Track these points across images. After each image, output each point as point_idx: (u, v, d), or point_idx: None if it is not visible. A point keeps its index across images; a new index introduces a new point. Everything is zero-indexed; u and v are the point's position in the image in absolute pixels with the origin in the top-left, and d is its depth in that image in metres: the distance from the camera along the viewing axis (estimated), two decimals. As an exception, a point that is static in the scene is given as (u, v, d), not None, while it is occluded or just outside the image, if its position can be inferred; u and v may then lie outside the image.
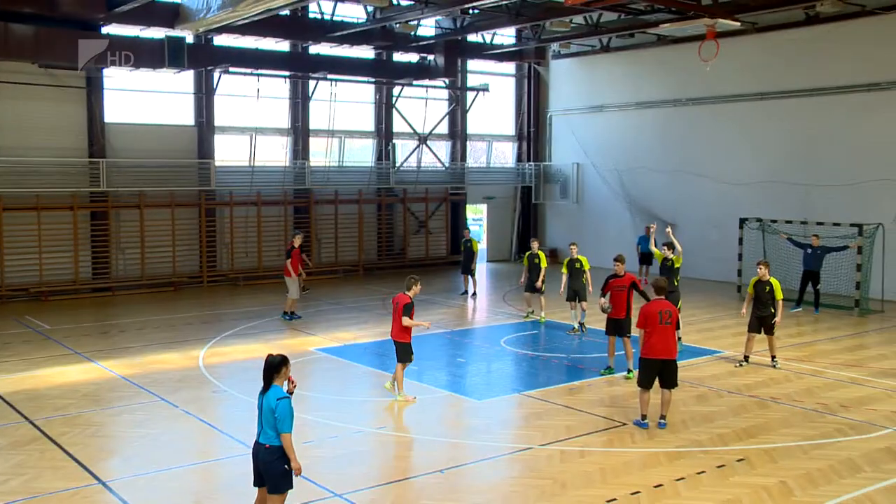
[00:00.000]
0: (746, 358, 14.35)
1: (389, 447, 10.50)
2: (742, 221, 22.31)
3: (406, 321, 12.11)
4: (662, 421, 10.97)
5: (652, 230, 22.55)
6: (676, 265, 15.47)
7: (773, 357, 14.33)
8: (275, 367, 7.22)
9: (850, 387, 13.06)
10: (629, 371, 13.48)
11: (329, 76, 25.80)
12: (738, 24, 20.38)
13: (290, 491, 7.28)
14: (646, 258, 24.48)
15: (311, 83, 25.97)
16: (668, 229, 17.35)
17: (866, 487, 8.87)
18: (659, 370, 10.86)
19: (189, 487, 9.13)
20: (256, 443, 7.25)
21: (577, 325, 17.33)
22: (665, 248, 15.61)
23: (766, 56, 24.19)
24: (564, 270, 17.25)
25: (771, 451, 9.99)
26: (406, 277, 12.50)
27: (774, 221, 21.83)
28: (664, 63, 26.97)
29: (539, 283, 18.36)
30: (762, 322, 14.11)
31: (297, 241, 19.06)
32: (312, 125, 26.60)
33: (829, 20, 22.26)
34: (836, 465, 9.51)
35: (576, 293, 17.16)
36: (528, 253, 18.98)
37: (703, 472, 9.34)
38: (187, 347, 15.96)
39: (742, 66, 24.47)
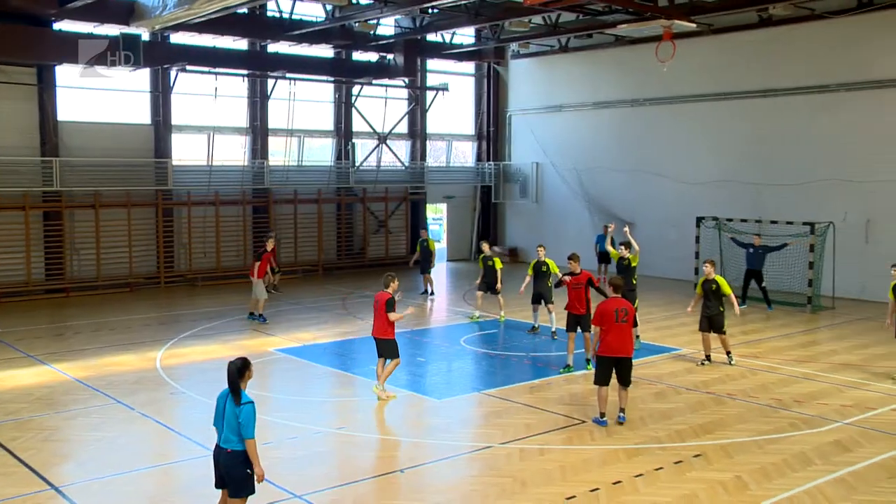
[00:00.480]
0: (708, 357, 14.46)
1: (349, 447, 10.46)
2: (699, 220, 22.62)
3: (393, 316, 12.26)
4: (622, 415, 11.09)
5: (610, 229, 22.76)
6: (633, 264, 15.65)
7: (728, 353, 14.48)
8: (238, 372, 7.16)
9: (803, 382, 13.32)
10: (588, 361, 13.94)
11: (288, 75, 25.63)
12: (694, 25, 20.67)
13: (251, 496, 7.25)
14: (604, 257, 24.70)
15: (270, 82, 25.77)
16: (626, 229, 17.53)
17: (817, 480, 9.06)
18: (614, 367, 10.98)
19: (146, 491, 9.00)
20: (217, 447, 7.18)
21: (536, 326, 17.32)
22: (622, 247, 15.77)
23: (722, 57, 24.55)
24: (530, 272, 16.98)
25: (727, 447, 10.15)
26: (384, 275, 12.65)
27: (730, 220, 22.16)
28: (622, 63, 27.24)
29: (498, 286, 18.35)
30: (711, 321, 14.21)
31: (270, 245, 18.91)
32: (271, 124, 26.39)
33: (782, 23, 22.66)
34: (788, 459, 9.70)
35: (540, 296, 16.82)
36: (481, 256, 18.96)
37: (660, 468, 9.45)
38: (144, 349, 15.74)
39: (698, 67, 24.81)
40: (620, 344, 10.89)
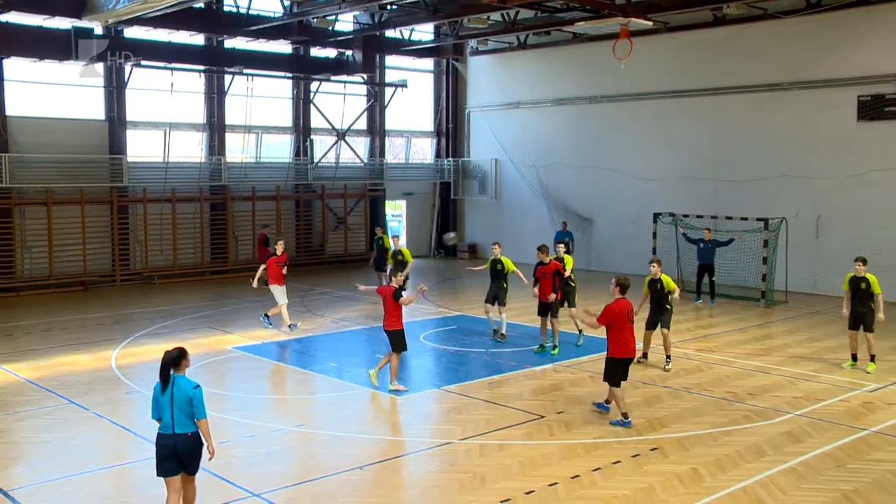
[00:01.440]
0: (645, 355, 14.32)
1: (308, 445, 10.41)
2: (656, 216, 22.89)
3: (404, 299, 12.45)
4: (607, 405, 11.34)
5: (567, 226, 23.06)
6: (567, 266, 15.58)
7: (668, 357, 14.04)
8: (174, 361, 7.42)
9: (757, 375, 13.56)
10: (555, 347, 14.67)
11: (245, 71, 25.37)
12: (651, 23, 20.92)
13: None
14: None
15: (227, 78, 25.49)
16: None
17: (769, 470, 9.24)
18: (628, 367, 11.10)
19: (101, 492, 8.86)
20: (171, 435, 7.33)
21: (498, 330, 16.59)
22: (560, 246, 15.87)
23: (678, 55, 24.86)
24: (486, 267, 16.53)
25: (683, 440, 10.30)
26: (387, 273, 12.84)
27: (686, 216, 22.46)
28: (580, 61, 27.44)
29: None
30: (658, 321, 14.08)
31: (280, 248, 17.15)
32: (229, 120, 26.11)
33: (735, 22, 23.02)
34: (742, 451, 9.87)
35: (495, 297, 16.14)
36: (393, 250, 18.82)
37: (618, 461, 9.56)
38: (99, 348, 15.49)
39: (655, 65, 25.08)
40: (633, 345, 11.01)
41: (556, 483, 8.89)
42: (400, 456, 9.96)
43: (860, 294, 13.71)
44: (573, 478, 9.05)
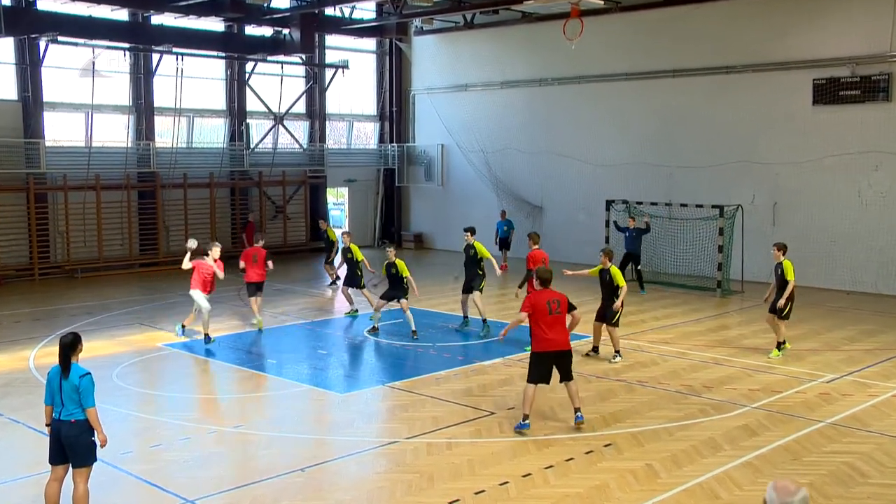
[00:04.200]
0: (595, 348, 14.48)
1: (247, 446, 10.32)
2: (609, 204, 23.15)
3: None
4: (579, 415, 10.62)
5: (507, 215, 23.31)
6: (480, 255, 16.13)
7: (616, 352, 14.15)
8: (70, 346, 7.75)
9: (713, 367, 13.84)
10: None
11: (174, 49, 24.92)
12: (602, 2, 21.13)
13: (94, 464, 7.81)
14: (504, 243, 25.28)
15: (155, 57, 24.99)
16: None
17: (726, 465, 9.44)
18: (555, 363, 10.53)
19: (20, 503, 8.66)
20: (57, 420, 7.65)
21: (376, 325, 16.54)
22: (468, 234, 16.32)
23: (630, 36, 25.12)
24: (383, 272, 16.29)
25: (638, 435, 10.46)
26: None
27: (640, 203, 22.77)
28: (529, 41, 27.57)
29: (363, 280, 18.03)
30: (603, 312, 14.22)
31: (216, 252, 16.16)
32: (157, 103, 25.65)
33: (689, 2, 23.33)
34: (698, 446, 10.07)
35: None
36: (342, 248, 18.13)
37: (571, 458, 9.67)
38: (16, 348, 15.12)
39: (607, 46, 25.31)
40: (558, 336, 10.44)
41: (506, 482, 8.96)
42: (344, 456, 9.93)
43: (778, 280, 14.35)
44: (524, 476, 9.13)
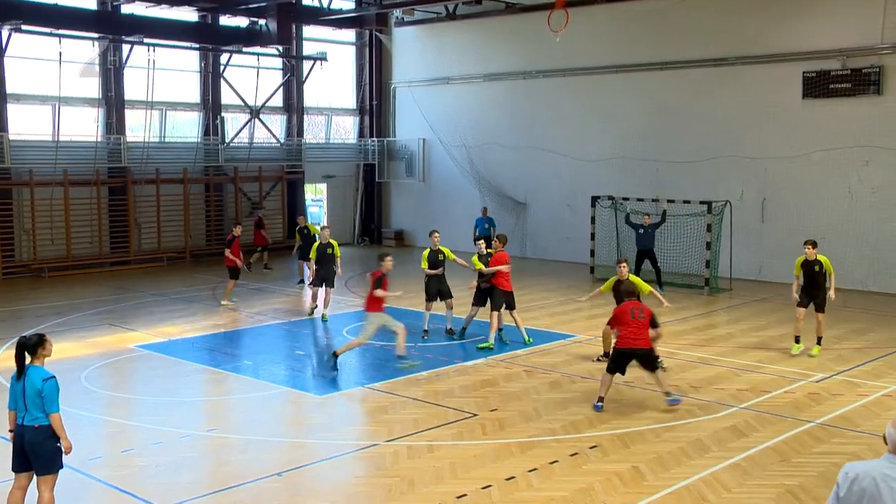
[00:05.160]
0: (606, 354, 14.52)
1: (221, 451, 10.28)
2: (594, 200, 23.23)
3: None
4: (670, 398, 11.61)
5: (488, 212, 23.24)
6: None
7: (606, 353, 14.01)
8: (29, 346, 7.61)
9: (700, 367, 13.92)
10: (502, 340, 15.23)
11: (146, 40, 24.75)
12: (588, -7, 21.13)
13: (60, 471, 7.67)
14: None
15: (126, 48, 24.83)
16: None
17: (713, 467, 9.50)
18: (632, 359, 11.68)
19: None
20: (21, 426, 7.54)
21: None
22: (433, 236, 16.48)
23: (617, 27, 25.20)
24: (425, 265, 16.34)
25: (623, 437, 10.51)
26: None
27: (626, 199, 22.87)
28: (513, 33, 27.61)
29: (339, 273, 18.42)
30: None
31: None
32: (128, 95, 25.50)
33: (678, -8, 23.47)
34: (685, 447, 10.13)
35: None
36: (317, 244, 18.16)
37: (555, 461, 9.70)
38: (-18, 350, 15.01)
39: (593, 38, 25.39)
40: (637, 338, 11.56)
41: (489, 485, 8.98)
42: (322, 460, 9.92)
43: (814, 277, 14.36)
44: (508, 479, 9.16)
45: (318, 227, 20.66)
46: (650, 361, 11.69)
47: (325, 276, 17.98)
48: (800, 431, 10.70)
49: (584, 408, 11.67)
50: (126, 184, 25.48)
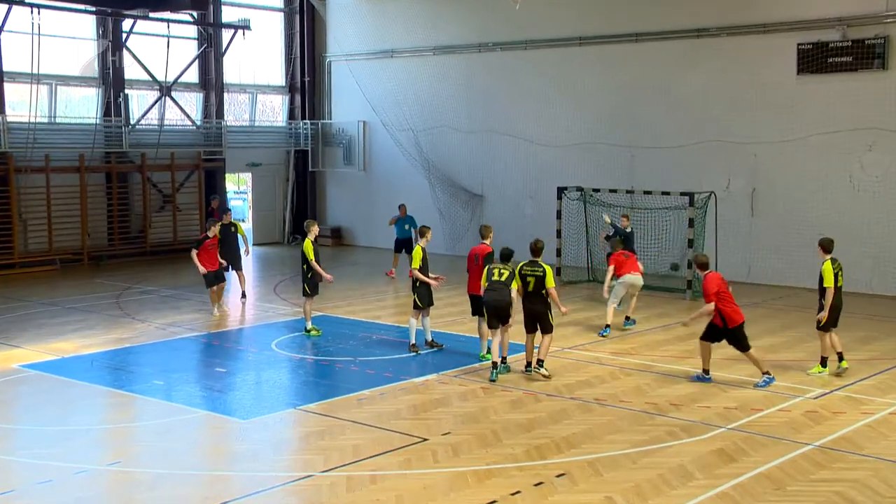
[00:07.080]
0: (531, 364, 14.32)
1: (126, 488, 10.12)
2: (560, 191, 23.33)
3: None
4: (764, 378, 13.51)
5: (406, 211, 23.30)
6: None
7: (540, 362, 14.03)
8: None
9: (682, 382, 14.02)
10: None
11: (28, 1, 24.25)
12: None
13: None
14: (403, 245, 23.91)
15: (2, 8, 24.21)
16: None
17: (698, 496, 9.56)
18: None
19: None
20: None
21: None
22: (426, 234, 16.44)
23: (585, -7, 25.37)
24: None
25: (595, 463, 10.54)
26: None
27: (597, 191, 23.00)
28: (467, 0, 27.67)
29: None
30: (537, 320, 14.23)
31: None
32: (8, 67, 25.05)
33: (655, -47, 23.68)
34: (665, 474, 10.18)
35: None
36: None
37: (517, 492, 9.69)
38: None
39: (557, 5, 25.49)
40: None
41: (442, 522, 8.96)
42: (247, 495, 9.82)
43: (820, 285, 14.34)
44: (463, 514, 9.14)
45: (241, 224, 20.67)
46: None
47: (230, 260, 19.46)
48: (796, 455, 10.80)
49: (549, 429, 11.68)
50: (7, 172, 24.94)
